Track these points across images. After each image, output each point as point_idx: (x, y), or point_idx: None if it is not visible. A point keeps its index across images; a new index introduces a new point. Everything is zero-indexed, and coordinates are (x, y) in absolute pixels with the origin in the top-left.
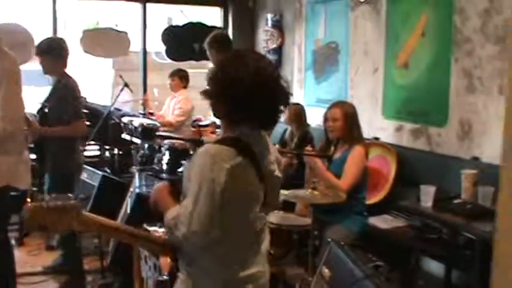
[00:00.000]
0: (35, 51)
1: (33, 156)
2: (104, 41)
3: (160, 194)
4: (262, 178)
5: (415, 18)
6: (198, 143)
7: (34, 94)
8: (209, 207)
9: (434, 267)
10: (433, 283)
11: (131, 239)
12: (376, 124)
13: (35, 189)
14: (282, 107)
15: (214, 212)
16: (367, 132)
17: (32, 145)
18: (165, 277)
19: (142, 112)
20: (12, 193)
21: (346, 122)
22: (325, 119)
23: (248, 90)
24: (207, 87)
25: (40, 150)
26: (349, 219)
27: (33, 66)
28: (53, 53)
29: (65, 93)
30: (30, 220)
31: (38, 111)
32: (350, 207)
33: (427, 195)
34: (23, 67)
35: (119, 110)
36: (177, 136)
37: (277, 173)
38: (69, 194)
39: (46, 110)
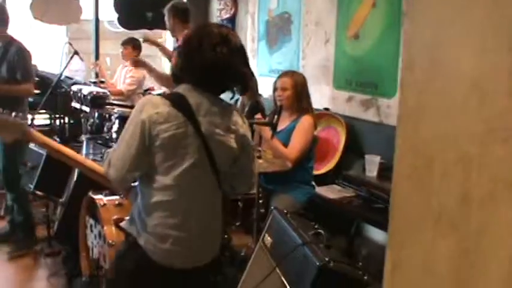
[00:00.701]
0: None
1: None
2: (54, 7)
3: None
4: (199, 133)
5: None
6: None
7: None
8: (126, 149)
9: (381, 236)
10: (379, 252)
11: (71, 162)
12: (326, 95)
13: None
14: (233, 85)
15: (130, 154)
16: (317, 102)
17: None
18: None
19: (93, 81)
20: None
21: (295, 92)
22: (275, 88)
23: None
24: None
25: None
26: (295, 189)
27: None
28: None
29: (19, 55)
30: None
31: None
32: (297, 177)
33: (372, 164)
34: None
35: (70, 78)
36: (126, 104)
37: (230, 143)
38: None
39: (3, 72)
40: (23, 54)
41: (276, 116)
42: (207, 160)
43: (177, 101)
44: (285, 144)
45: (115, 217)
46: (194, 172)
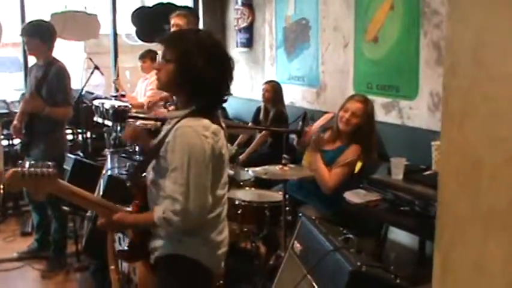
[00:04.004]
0: (21, 32)
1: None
2: (74, 24)
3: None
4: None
5: None
6: None
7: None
8: (201, 177)
9: (408, 239)
10: (407, 255)
11: (98, 209)
12: None
13: None
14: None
15: (206, 181)
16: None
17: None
18: (126, 247)
19: (114, 95)
20: None
21: (362, 121)
22: (344, 108)
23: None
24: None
25: (29, 133)
26: (325, 203)
27: (5, 53)
28: (40, 35)
29: (59, 77)
30: (9, 185)
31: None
32: (330, 196)
33: (398, 167)
34: None
35: (91, 93)
36: (148, 117)
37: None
38: (48, 163)
39: (43, 93)
40: (62, 76)
41: (300, 123)
42: None
43: (212, 119)
44: (328, 165)
45: None
46: None
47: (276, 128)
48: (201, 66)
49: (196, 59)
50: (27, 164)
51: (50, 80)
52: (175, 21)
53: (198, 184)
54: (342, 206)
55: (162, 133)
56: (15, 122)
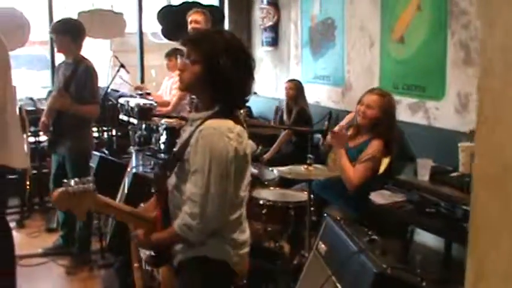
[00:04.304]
0: (51, 30)
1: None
2: (100, 22)
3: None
4: None
5: None
6: None
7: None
8: (222, 180)
9: (434, 241)
10: (433, 257)
11: (132, 221)
12: None
13: (34, 172)
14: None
15: (227, 184)
16: None
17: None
18: (152, 253)
19: (139, 93)
20: (12, 176)
21: (380, 113)
22: (360, 102)
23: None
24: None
25: (57, 130)
26: (350, 204)
27: (32, 51)
28: (70, 33)
29: (87, 75)
30: (57, 205)
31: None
32: (354, 195)
33: (424, 168)
34: (22, 51)
35: (116, 91)
36: (173, 115)
37: None
38: (88, 178)
39: (71, 91)
40: (91, 75)
41: (326, 123)
42: None
43: (236, 120)
44: (352, 161)
45: None
46: None
47: (301, 127)
48: (228, 67)
49: (223, 60)
50: (72, 182)
51: (78, 78)
52: (194, 18)
53: (218, 187)
54: (367, 207)
55: (185, 135)
56: (43, 118)
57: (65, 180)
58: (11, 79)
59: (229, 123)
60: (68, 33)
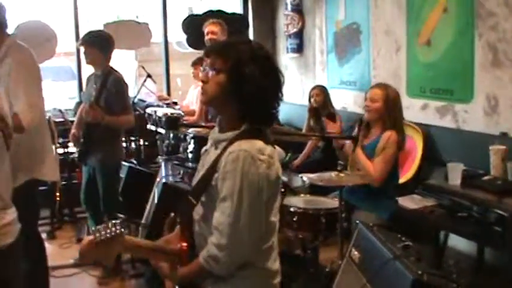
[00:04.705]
0: (80, 42)
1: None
2: (126, 33)
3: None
4: None
5: None
6: None
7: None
8: (254, 207)
9: (466, 245)
10: (465, 262)
11: (162, 258)
12: None
13: (64, 183)
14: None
15: (259, 211)
16: None
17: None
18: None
19: (167, 102)
20: (41, 187)
21: (385, 105)
22: (365, 98)
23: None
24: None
25: (87, 142)
26: (378, 205)
27: (58, 62)
28: (99, 45)
29: (117, 86)
30: (84, 258)
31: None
32: (379, 192)
33: (456, 172)
34: (48, 63)
35: (143, 101)
36: (201, 124)
37: None
38: (117, 221)
39: (101, 102)
40: (121, 86)
41: (356, 129)
42: None
43: (266, 140)
44: (370, 159)
45: None
46: None
47: (333, 134)
48: (255, 77)
49: (249, 69)
50: (100, 228)
51: (108, 90)
52: (210, 29)
53: (249, 216)
54: (394, 208)
55: (209, 158)
56: (73, 130)
57: (93, 229)
58: (42, 93)
59: (259, 143)
60: (97, 45)
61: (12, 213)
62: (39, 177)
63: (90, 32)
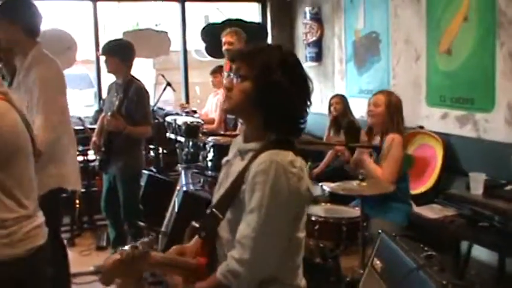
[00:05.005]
0: (102, 51)
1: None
2: (145, 41)
3: None
4: None
5: (456, 3)
6: None
7: (77, 97)
8: (281, 222)
9: (487, 256)
10: (486, 272)
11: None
12: (420, 112)
13: (83, 190)
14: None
15: (286, 226)
16: (411, 121)
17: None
18: None
19: (186, 111)
20: (62, 194)
21: (387, 110)
22: (368, 104)
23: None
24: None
25: (108, 150)
26: (391, 210)
27: (75, 70)
28: (120, 54)
29: (139, 95)
30: (110, 274)
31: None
32: (391, 197)
33: (477, 182)
34: (66, 71)
35: (162, 109)
36: (221, 133)
37: None
38: (144, 239)
39: (122, 111)
40: (142, 96)
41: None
42: None
43: (295, 151)
44: (378, 164)
45: None
46: None
47: (355, 143)
48: (283, 84)
49: (277, 75)
50: (126, 248)
51: (129, 99)
52: (227, 39)
53: (276, 230)
54: (407, 211)
55: (235, 169)
56: (94, 138)
57: (120, 248)
58: (66, 103)
59: (290, 155)
60: (118, 54)
61: (41, 217)
62: (62, 185)
63: (110, 41)
